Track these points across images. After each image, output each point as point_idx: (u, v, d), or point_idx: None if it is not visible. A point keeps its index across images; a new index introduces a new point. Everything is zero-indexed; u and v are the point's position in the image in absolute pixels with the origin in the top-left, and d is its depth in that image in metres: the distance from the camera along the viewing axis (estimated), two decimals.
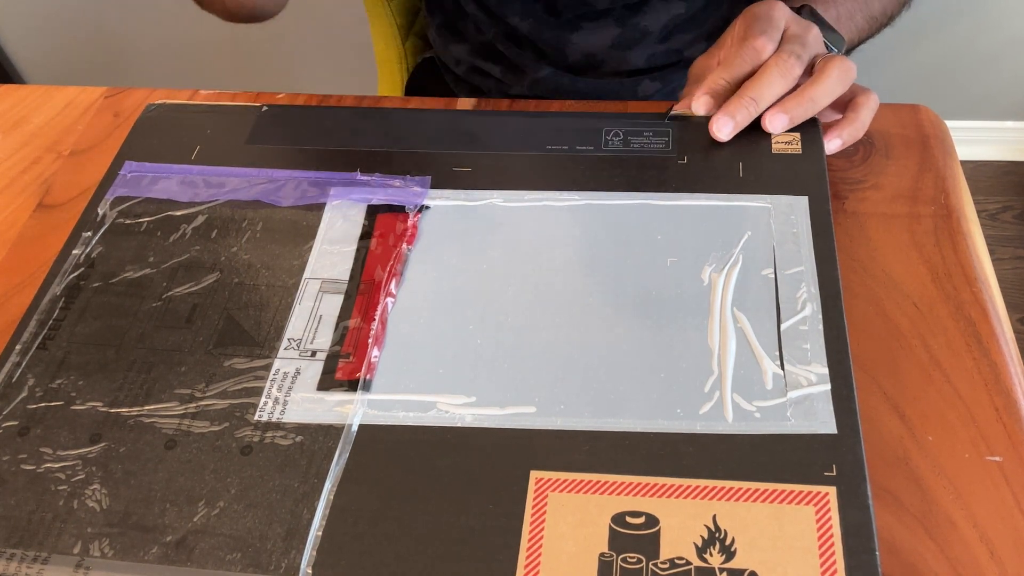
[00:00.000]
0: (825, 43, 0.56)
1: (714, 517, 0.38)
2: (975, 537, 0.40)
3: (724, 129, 0.51)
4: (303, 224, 0.51)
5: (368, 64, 0.98)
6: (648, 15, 0.73)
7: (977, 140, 1.58)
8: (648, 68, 0.77)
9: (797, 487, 0.39)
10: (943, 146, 0.56)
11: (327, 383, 0.44)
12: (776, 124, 0.51)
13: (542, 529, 0.39)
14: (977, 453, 0.42)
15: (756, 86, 0.51)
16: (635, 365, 0.44)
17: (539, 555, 0.38)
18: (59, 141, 0.61)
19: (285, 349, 0.46)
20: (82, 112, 0.63)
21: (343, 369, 0.45)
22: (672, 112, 0.54)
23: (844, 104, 0.54)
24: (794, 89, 0.52)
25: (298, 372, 0.45)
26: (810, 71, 0.53)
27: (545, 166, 0.53)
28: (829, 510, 0.38)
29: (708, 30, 0.76)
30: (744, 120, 0.51)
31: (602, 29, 0.74)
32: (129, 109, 0.62)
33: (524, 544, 0.38)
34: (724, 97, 0.53)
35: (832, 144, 0.53)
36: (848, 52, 0.64)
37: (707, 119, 0.53)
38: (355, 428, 0.42)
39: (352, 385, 0.44)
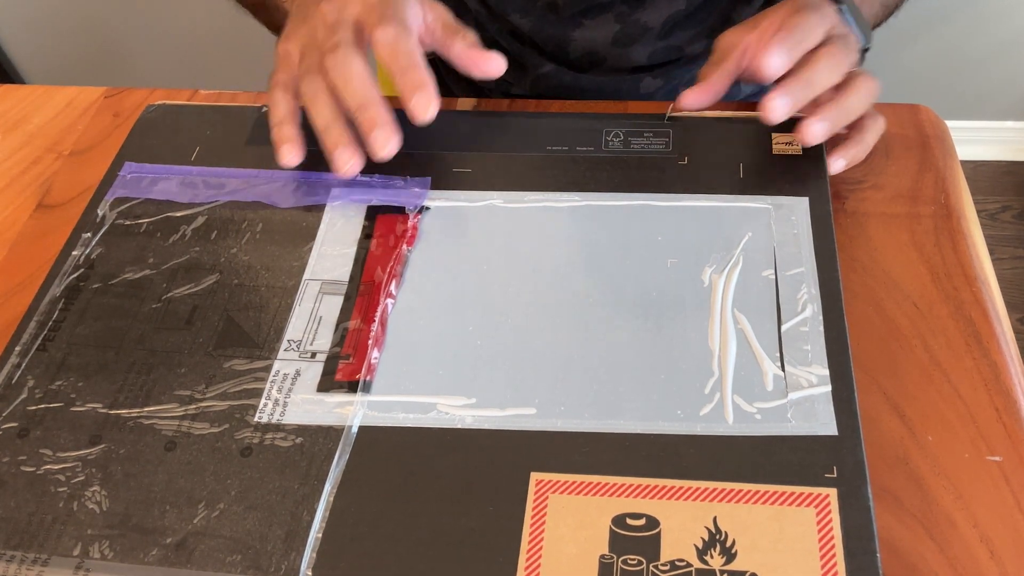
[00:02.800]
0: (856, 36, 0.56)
1: (715, 519, 0.38)
2: (975, 537, 0.40)
3: (782, 107, 0.48)
4: (303, 225, 0.51)
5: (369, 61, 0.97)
6: (648, 11, 0.73)
7: (977, 140, 1.58)
8: (649, 65, 0.77)
9: (798, 489, 0.39)
10: (943, 146, 0.56)
11: (327, 384, 0.44)
12: (818, 133, 0.49)
13: (542, 531, 0.39)
14: (977, 453, 0.42)
15: (811, 68, 0.49)
16: (635, 366, 0.44)
17: (539, 557, 0.38)
18: (59, 141, 0.61)
19: (285, 350, 0.46)
20: (82, 112, 0.63)
21: (343, 370, 0.45)
22: (672, 113, 0.54)
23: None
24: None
25: (298, 373, 0.45)
26: None
27: (545, 167, 0.53)
28: (830, 512, 0.38)
29: (709, 27, 0.76)
30: (802, 100, 0.49)
31: (602, 25, 0.74)
32: (129, 109, 0.62)
33: (524, 546, 0.38)
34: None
35: (836, 164, 0.52)
36: None
37: (706, 119, 0.53)
38: (355, 430, 0.42)
39: (352, 386, 0.44)
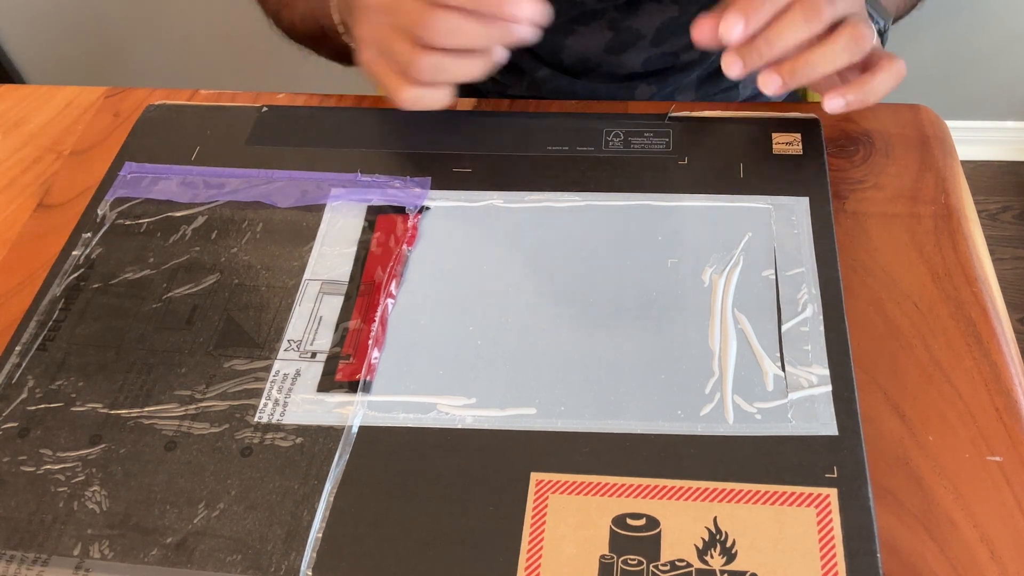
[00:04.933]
0: (868, 13, 0.54)
1: (715, 519, 0.38)
2: (975, 537, 0.40)
3: (734, 68, 0.48)
4: (303, 225, 0.51)
5: None
6: (640, 17, 0.72)
7: (977, 140, 1.58)
8: (644, 72, 0.77)
9: (798, 489, 0.39)
10: (943, 146, 0.56)
11: (327, 384, 0.44)
12: (835, 107, 0.48)
13: (542, 531, 0.39)
14: (977, 453, 0.42)
15: (775, 28, 0.47)
16: (636, 366, 0.44)
17: (539, 557, 0.38)
18: (59, 141, 0.61)
19: (285, 350, 0.46)
20: (82, 112, 0.63)
21: (343, 370, 0.45)
22: (672, 113, 0.54)
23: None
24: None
25: (298, 373, 0.45)
26: None
27: (545, 167, 0.53)
28: (830, 512, 0.38)
29: None
30: (753, 63, 0.48)
31: (595, 32, 0.74)
32: (129, 109, 0.62)
33: (524, 546, 0.38)
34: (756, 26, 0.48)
35: (834, 103, 0.48)
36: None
37: (707, 120, 0.53)
38: (355, 429, 0.42)
39: (352, 386, 0.44)
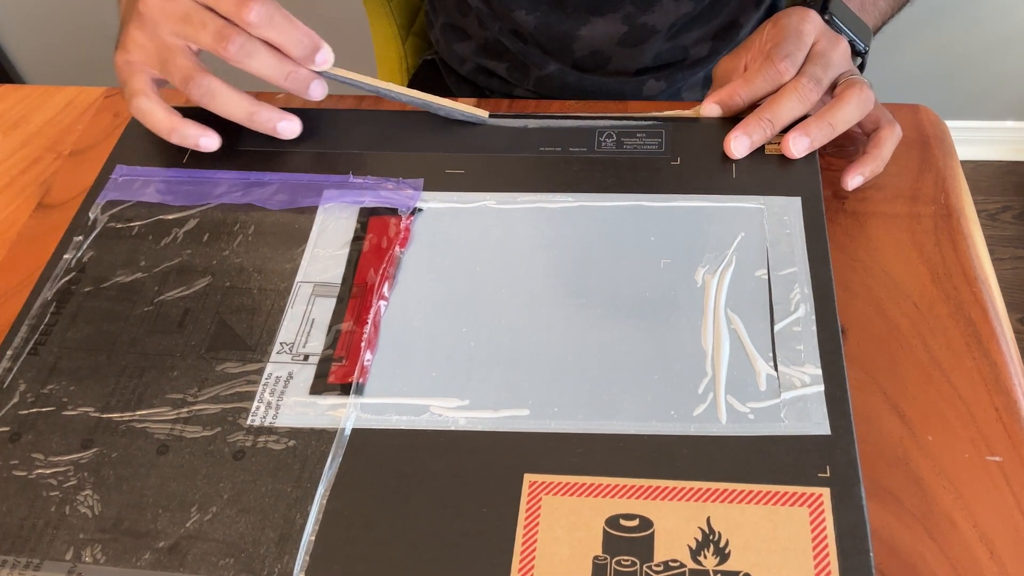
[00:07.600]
0: (851, 40, 0.56)
1: (708, 519, 0.38)
2: (975, 537, 0.40)
3: (740, 147, 0.51)
4: (295, 227, 0.51)
5: (368, 64, 0.97)
6: (656, 13, 0.72)
7: (977, 140, 1.58)
8: (654, 67, 0.77)
9: (791, 488, 0.39)
10: (943, 146, 0.56)
11: (320, 387, 0.44)
12: (799, 147, 0.51)
13: (536, 532, 0.38)
14: (977, 453, 0.42)
15: (773, 108, 0.51)
16: (629, 367, 0.43)
17: (533, 558, 0.38)
18: (59, 141, 0.61)
19: (277, 353, 0.45)
20: (82, 112, 0.63)
21: (336, 373, 0.44)
22: (664, 113, 0.54)
23: (868, 130, 0.54)
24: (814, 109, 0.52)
25: (291, 376, 0.44)
26: (833, 88, 0.53)
27: (538, 168, 0.52)
28: (823, 511, 0.38)
29: (714, 29, 0.76)
30: (759, 140, 0.51)
31: (610, 24, 0.73)
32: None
33: (518, 547, 0.38)
34: (736, 111, 0.53)
35: (854, 181, 0.52)
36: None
37: (700, 120, 0.53)
38: (348, 432, 0.42)
39: (345, 389, 0.44)
